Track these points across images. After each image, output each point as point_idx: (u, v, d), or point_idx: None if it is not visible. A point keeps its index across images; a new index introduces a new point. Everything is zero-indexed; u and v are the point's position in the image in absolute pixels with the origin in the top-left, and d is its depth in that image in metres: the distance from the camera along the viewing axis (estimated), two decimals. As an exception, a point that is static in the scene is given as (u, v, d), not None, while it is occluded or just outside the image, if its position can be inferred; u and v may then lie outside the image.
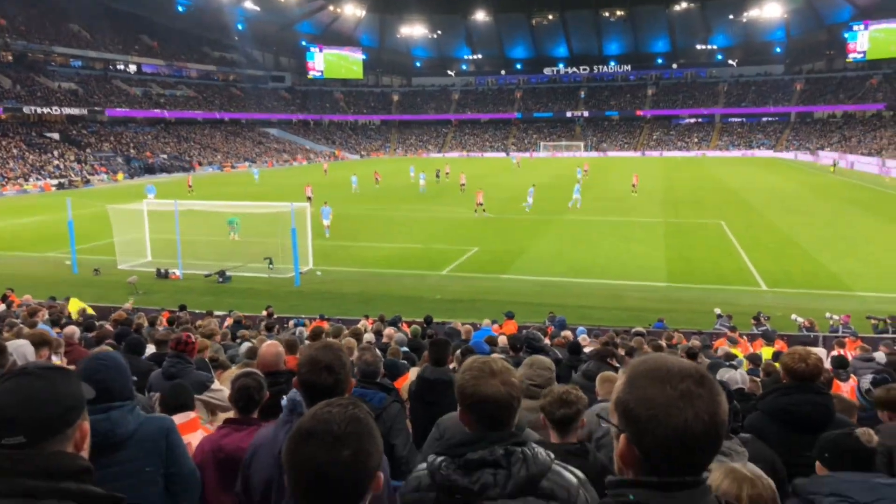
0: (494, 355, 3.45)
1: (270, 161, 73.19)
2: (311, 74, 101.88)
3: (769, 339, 12.58)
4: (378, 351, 5.82)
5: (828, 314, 14.31)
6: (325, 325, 12.14)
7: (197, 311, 14.89)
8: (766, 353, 10.31)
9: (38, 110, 60.11)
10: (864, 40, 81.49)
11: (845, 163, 62.19)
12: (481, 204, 32.54)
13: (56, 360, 5.70)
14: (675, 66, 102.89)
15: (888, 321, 13.63)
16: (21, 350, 4.55)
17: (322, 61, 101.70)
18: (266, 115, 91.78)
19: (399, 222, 30.34)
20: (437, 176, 50.77)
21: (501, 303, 16.71)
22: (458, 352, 6.59)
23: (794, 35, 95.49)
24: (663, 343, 9.81)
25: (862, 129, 77.07)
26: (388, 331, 11.39)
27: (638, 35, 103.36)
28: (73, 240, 21.67)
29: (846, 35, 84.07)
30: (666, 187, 44.46)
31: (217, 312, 14.18)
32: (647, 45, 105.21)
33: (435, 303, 17.08)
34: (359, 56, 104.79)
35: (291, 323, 13.76)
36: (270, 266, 20.97)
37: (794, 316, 14.49)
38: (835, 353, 9.07)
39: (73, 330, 7.92)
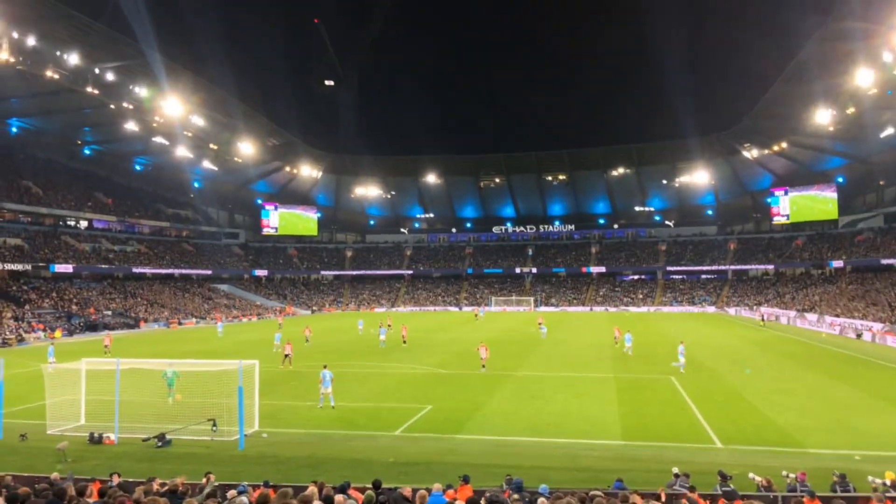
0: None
1: (220, 316, 72.04)
2: (266, 231, 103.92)
3: (730, 499, 12.36)
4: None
5: (784, 472, 14.24)
6: (271, 493, 11.43)
7: (131, 479, 13.86)
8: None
9: (-20, 266, 58.77)
10: (786, 205, 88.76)
11: (786, 319, 64.96)
12: (484, 359, 32.47)
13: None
14: (616, 226, 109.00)
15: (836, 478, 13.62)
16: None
17: (277, 219, 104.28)
18: (217, 271, 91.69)
19: (348, 379, 29.69)
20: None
21: (456, 465, 16.11)
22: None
23: (723, 199, 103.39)
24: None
25: (794, 286, 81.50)
26: (338, 498, 10.79)
27: (579, 197, 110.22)
28: (0, 402, 20.37)
29: (769, 200, 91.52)
30: (614, 342, 45.24)
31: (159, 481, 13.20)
32: (588, 207, 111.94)
33: (387, 466, 16.35)
34: (314, 215, 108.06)
35: (232, 493, 12.88)
36: (214, 428, 19.97)
37: (751, 475, 14.36)
38: (794, 514, 8.95)
39: (-5, 506, 7.29)
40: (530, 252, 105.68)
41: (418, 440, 19.53)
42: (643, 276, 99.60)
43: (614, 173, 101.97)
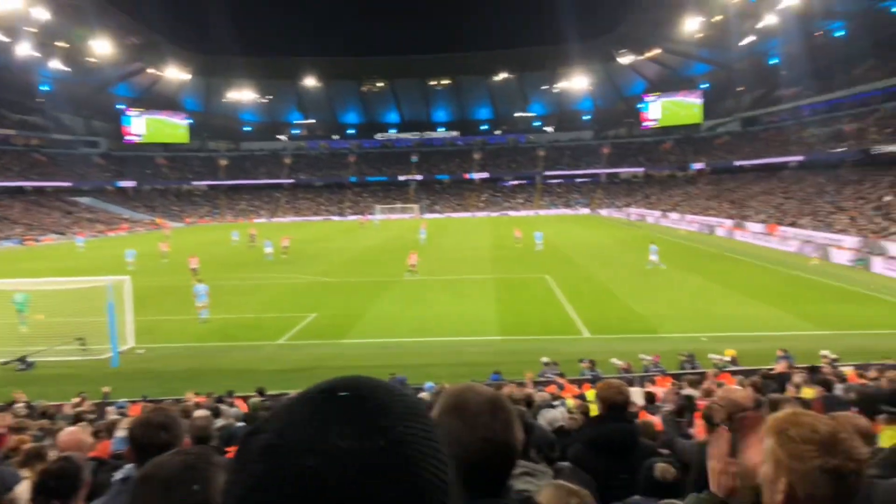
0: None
1: (82, 232, 67.11)
2: (130, 139, 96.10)
3: (595, 382, 13.53)
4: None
5: (640, 355, 15.69)
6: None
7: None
8: (591, 394, 11.03)
9: None
10: (657, 109, 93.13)
11: (651, 218, 69.66)
12: (414, 265, 32.30)
13: None
14: (498, 132, 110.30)
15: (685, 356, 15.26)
16: None
17: (143, 125, 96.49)
18: (77, 183, 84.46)
19: (227, 292, 28.86)
20: (252, 240, 49.73)
21: (341, 368, 16.42)
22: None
23: (600, 105, 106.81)
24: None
25: (660, 188, 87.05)
26: (225, 408, 10.77)
27: (463, 103, 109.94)
28: None
29: (641, 106, 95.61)
30: (495, 245, 46.84)
31: (19, 403, 12.51)
32: (472, 113, 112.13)
33: (271, 374, 16.40)
34: (183, 121, 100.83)
35: (111, 409, 12.49)
36: (83, 347, 19.02)
37: (613, 359, 15.72)
38: (646, 389, 9.96)
39: None
40: (414, 159, 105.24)
41: (302, 347, 19.64)
42: (523, 181, 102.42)
43: (497, 79, 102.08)
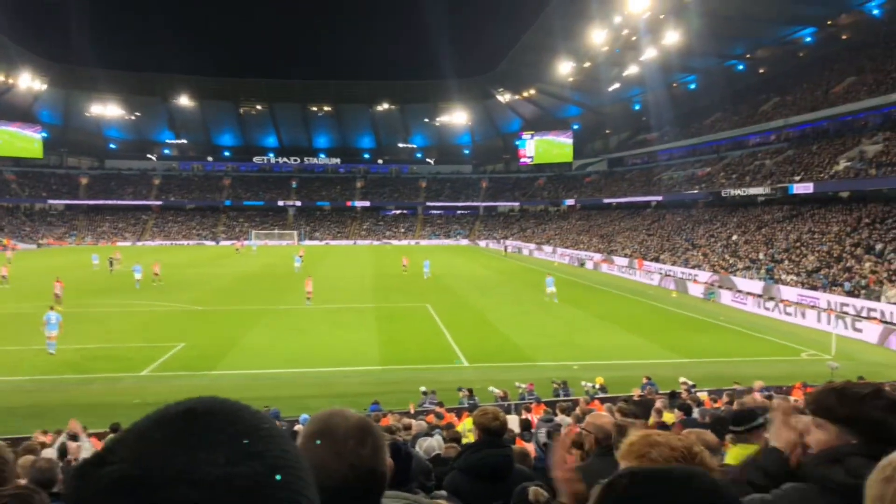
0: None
1: (-88, 252, 59.61)
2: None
3: (472, 410, 13.65)
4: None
5: (516, 383, 16.06)
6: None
7: None
8: (468, 423, 11.10)
9: None
10: (532, 147, 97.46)
11: (526, 251, 72.33)
12: (311, 292, 31.82)
13: None
14: (380, 161, 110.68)
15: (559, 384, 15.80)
16: None
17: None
18: None
19: (85, 320, 26.70)
20: (111, 265, 46.46)
21: (210, 401, 15.51)
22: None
23: (479, 140, 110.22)
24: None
25: (535, 222, 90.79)
26: (73, 445, 9.83)
27: (345, 130, 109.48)
28: None
29: (517, 143, 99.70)
30: (378, 273, 46.62)
31: None
32: (354, 141, 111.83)
33: (132, 408, 15.19)
34: (36, 134, 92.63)
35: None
36: None
37: (491, 388, 15.98)
38: (522, 417, 10.17)
39: None
40: (294, 184, 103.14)
41: (168, 379, 18.42)
42: (405, 211, 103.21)
43: (379, 108, 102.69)
